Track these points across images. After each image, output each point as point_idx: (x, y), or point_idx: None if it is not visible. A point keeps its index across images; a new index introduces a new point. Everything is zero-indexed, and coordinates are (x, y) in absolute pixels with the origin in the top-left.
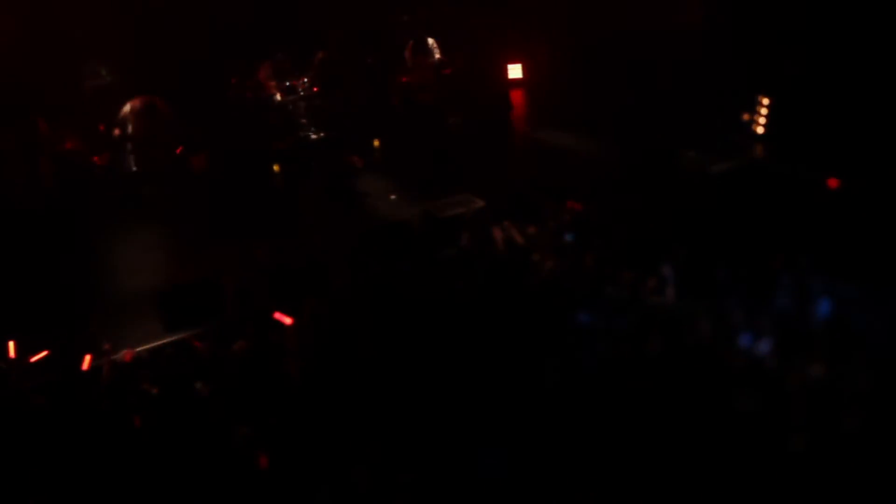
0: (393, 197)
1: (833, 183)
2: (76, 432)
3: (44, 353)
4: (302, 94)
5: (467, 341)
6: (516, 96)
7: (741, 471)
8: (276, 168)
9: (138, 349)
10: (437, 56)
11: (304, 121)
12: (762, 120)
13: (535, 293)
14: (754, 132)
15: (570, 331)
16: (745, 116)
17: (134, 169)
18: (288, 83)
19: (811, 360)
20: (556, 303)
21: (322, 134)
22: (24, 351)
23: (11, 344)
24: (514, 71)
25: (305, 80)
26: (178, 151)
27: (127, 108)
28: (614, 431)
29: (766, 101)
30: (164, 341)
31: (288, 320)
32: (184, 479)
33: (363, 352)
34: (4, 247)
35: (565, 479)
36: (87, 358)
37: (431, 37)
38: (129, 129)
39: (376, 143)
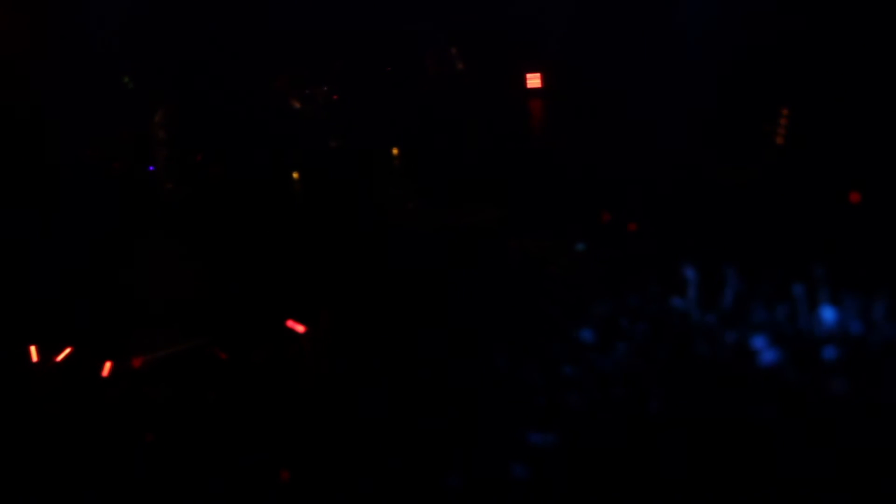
0: (411, 206)
1: (855, 198)
2: (92, 439)
3: (68, 350)
4: (321, 102)
5: (482, 352)
6: (535, 106)
7: (756, 481)
8: (294, 176)
9: (149, 356)
10: (460, 65)
11: (322, 129)
12: (782, 130)
13: (551, 302)
14: (774, 142)
15: (583, 341)
16: (766, 127)
17: (161, 175)
18: (307, 91)
19: (829, 371)
20: (572, 312)
21: (340, 142)
22: (44, 356)
23: (33, 348)
24: (534, 80)
25: (325, 88)
26: (198, 158)
27: (160, 113)
28: (630, 439)
29: (786, 112)
30: (176, 349)
31: (301, 328)
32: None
33: (377, 363)
34: (19, 253)
35: (579, 487)
36: (108, 365)
37: (452, 45)
38: (161, 134)
39: (395, 151)
